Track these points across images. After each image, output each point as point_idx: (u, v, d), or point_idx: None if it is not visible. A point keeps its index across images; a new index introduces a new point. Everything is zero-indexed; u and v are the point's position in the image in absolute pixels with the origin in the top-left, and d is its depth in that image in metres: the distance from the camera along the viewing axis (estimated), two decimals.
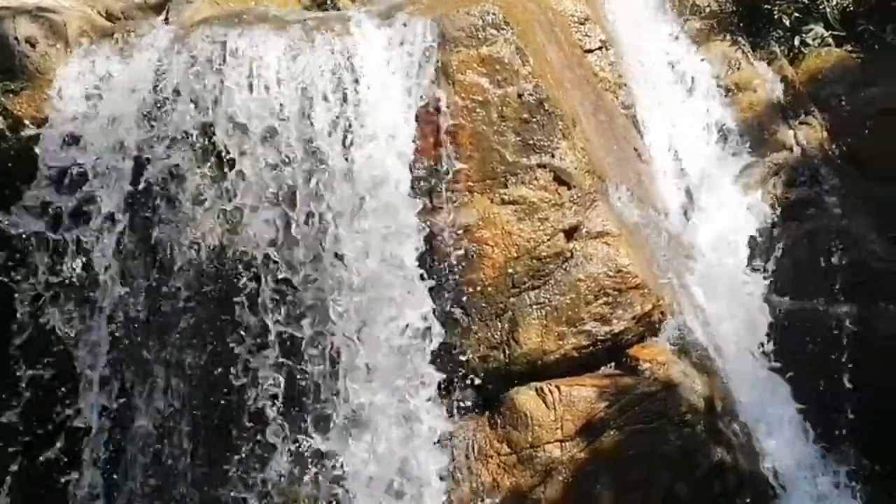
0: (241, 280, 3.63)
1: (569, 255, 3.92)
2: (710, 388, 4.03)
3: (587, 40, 4.77)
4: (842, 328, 4.60)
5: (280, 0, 5.45)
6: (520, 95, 3.89)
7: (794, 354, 4.54)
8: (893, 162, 4.87)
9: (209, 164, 3.74)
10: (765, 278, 4.69)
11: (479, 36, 3.88)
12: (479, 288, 3.82)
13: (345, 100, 3.70)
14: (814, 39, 5.43)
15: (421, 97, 3.82)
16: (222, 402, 3.67)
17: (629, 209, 4.30)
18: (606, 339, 3.91)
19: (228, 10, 4.27)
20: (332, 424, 3.64)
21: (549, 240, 3.89)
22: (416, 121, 3.80)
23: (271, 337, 3.59)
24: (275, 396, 3.59)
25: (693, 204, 4.94)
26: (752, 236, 4.84)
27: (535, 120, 3.90)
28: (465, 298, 3.81)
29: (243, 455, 3.65)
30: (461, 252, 3.82)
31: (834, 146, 5.03)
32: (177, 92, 3.72)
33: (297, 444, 3.62)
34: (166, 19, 4.34)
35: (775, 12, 5.46)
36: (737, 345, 4.51)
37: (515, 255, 3.85)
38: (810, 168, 4.95)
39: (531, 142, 3.90)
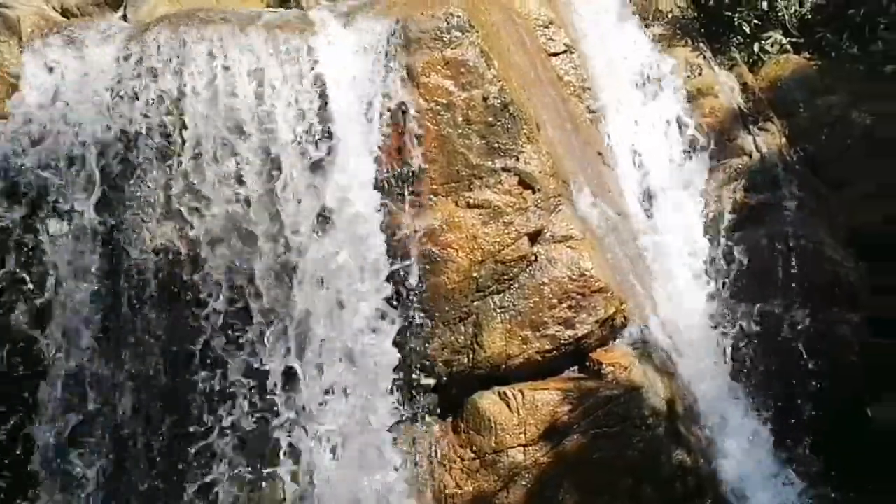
0: (199, 283, 3.56)
1: (533, 258, 3.92)
2: (672, 391, 4.06)
3: (552, 44, 4.78)
4: (799, 332, 4.67)
5: None
6: (485, 98, 3.88)
7: (754, 357, 4.59)
8: (850, 168, 4.96)
9: (167, 163, 3.66)
10: (724, 281, 4.73)
11: (444, 38, 3.86)
12: (443, 292, 3.80)
13: (308, 100, 3.65)
14: (773, 46, 5.51)
15: (385, 98, 3.78)
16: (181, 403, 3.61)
17: (592, 212, 4.31)
18: (570, 342, 3.92)
19: (187, 7, 4.18)
20: (294, 427, 3.60)
21: (513, 243, 3.89)
22: (381, 123, 3.77)
23: (227, 344, 3.55)
24: (232, 402, 3.54)
25: (655, 206, 4.97)
26: (712, 239, 4.89)
27: (499, 123, 3.89)
28: (428, 302, 3.79)
29: (202, 462, 3.59)
30: (425, 255, 3.79)
31: (792, 152, 5.11)
32: (133, 90, 3.64)
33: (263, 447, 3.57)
34: (124, 16, 4.25)
35: (735, 19, 5.52)
36: (696, 347, 4.55)
37: (480, 258, 3.84)
38: (770, 173, 5.02)
39: (496, 145, 3.89)
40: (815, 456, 4.58)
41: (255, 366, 3.57)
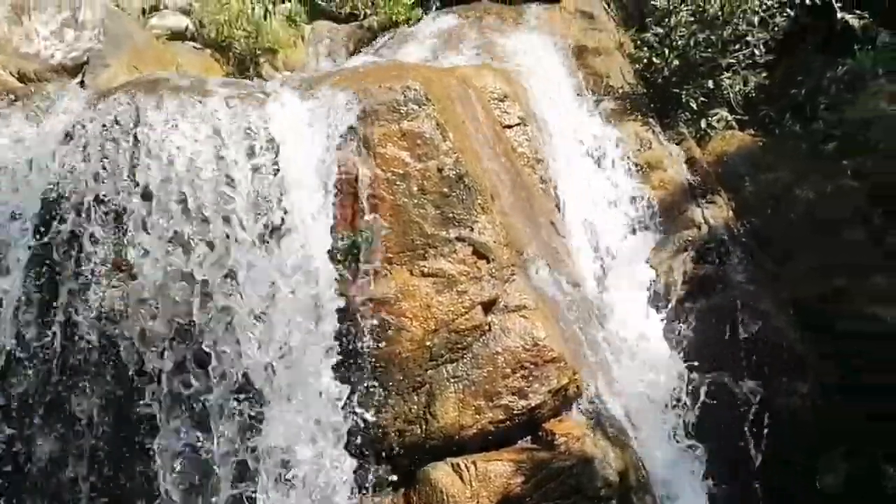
0: (146, 353, 3.50)
1: (486, 328, 3.94)
2: (625, 462, 4.06)
3: (506, 116, 4.89)
4: (749, 403, 4.72)
5: (201, 66, 5.45)
6: (440, 169, 3.94)
7: (705, 428, 4.62)
8: (794, 243, 5.11)
9: (118, 229, 3.63)
10: (675, 352, 4.79)
11: (401, 110, 3.93)
12: (396, 361, 3.79)
13: (264, 170, 3.67)
14: (719, 122, 5.73)
15: (342, 169, 3.82)
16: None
17: (546, 282, 4.36)
18: (523, 413, 3.91)
19: (146, 76, 4.20)
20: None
21: (467, 313, 3.91)
22: (337, 192, 3.80)
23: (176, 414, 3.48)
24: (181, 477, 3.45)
25: (607, 277, 5.05)
26: (662, 310, 4.97)
27: (454, 194, 3.95)
28: (382, 371, 3.77)
29: None
30: (379, 324, 3.79)
31: (739, 225, 5.25)
32: (88, 157, 3.63)
33: None
34: (82, 83, 4.26)
35: (683, 96, 5.74)
36: (649, 418, 4.57)
37: (434, 327, 3.84)
38: (717, 245, 5.14)
39: (451, 215, 3.94)
40: None
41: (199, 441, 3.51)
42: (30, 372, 3.61)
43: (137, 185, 3.58)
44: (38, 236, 3.66)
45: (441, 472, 3.79)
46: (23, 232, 3.66)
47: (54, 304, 3.64)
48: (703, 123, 5.70)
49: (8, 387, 3.61)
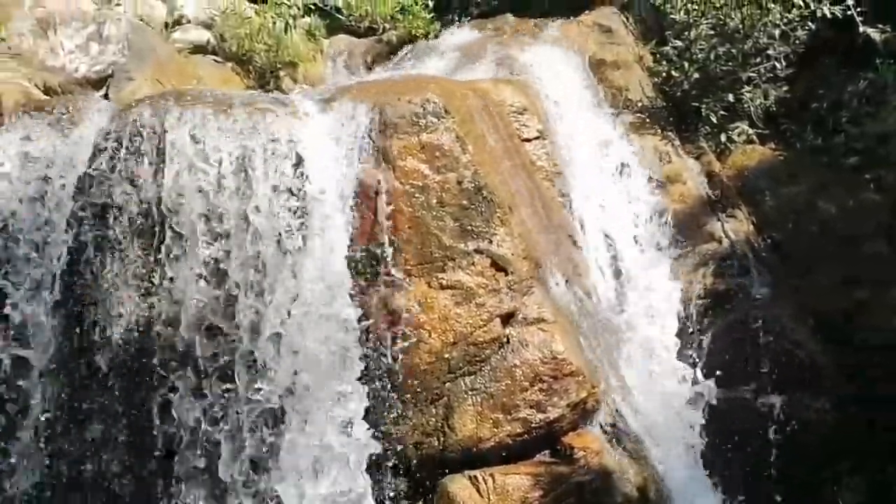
0: (171, 364, 3.53)
1: (505, 340, 3.94)
2: (643, 476, 4.03)
3: (525, 130, 4.90)
4: (770, 417, 4.68)
5: (222, 79, 5.51)
6: (459, 182, 3.96)
7: (724, 443, 4.58)
8: (816, 257, 5.07)
9: (143, 241, 3.67)
10: (694, 367, 4.76)
11: (420, 123, 3.96)
12: (414, 373, 3.79)
13: (286, 182, 3.70)
14: (739, 136, 5.69)
15: (361, 181, 3.84)
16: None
17: (564, 295, 4.35)
18: (541, 426, 3.90)
19: (169, 89, 4.25)
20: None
21: (485, 325, 3.90)
22: (356, 204, 3.82)
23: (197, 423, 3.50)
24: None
25: (625, 290, 5.02)
26: (682, 325, 4.93)
27: (473, 206, 3.96)
28: (400, 383, 3.77)
29: None
30: (397, 336, 3.79)
31: (760, 239, 5.21)
32: (113, 169, 3.67)
33: None
34: (106, 95, 4.32)
35: (703, 109, 5.71)
36: (667, 432, 4.53)
37: (452, 340, 3.84)
38: (738, 259, 5.10)
39: (469, 227, 3.95)
40: None
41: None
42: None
43: (160, 195, 3.61)
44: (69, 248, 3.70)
45: (458, 485, 3.78)
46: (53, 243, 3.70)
47: (85, 315, 3.66)
48: (723, 137, 5.67)
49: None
